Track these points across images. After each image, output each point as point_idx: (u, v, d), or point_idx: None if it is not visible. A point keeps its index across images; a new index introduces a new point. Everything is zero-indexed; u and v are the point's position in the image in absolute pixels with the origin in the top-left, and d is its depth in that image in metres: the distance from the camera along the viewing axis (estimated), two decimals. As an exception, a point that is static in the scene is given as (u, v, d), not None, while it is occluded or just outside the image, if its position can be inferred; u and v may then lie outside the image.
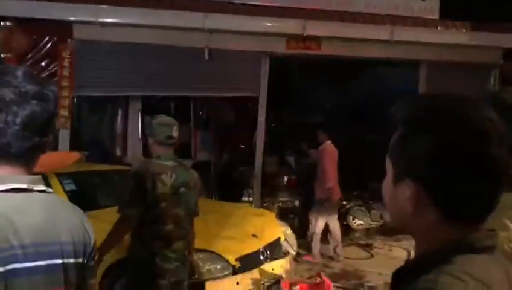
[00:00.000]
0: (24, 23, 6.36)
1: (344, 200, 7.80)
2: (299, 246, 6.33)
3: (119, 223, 3.07)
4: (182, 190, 3.15)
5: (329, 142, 6.58)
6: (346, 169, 7.22)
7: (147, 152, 3.64)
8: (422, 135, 0.85)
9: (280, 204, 8.33)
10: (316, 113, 9.78)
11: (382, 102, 9.57)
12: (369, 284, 5.36)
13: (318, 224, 6.43)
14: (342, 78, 9.72)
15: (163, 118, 3.26)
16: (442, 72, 7.65)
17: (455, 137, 0.82)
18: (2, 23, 6.33)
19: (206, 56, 6.88)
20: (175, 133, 3.17)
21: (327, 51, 7.39)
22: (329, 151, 6.50)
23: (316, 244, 6.48)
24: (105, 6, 6.54)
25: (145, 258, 3.08)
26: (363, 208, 8.09)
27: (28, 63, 6.54)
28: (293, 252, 5.12)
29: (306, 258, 6.45)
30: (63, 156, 4.58)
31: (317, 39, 7.29)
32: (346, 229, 7.76)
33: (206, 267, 4.02)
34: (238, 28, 6.92)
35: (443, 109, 0.87)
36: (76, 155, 4.50)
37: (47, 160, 3.48)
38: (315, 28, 7.12)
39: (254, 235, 4.60)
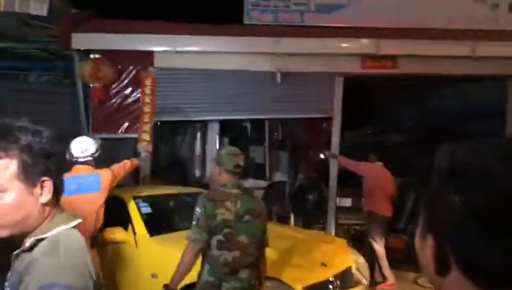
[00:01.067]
0: (110, 55, 6.85)
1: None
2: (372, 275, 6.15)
3: (187, 249, 3.18)
4: (247, 217, 3.21)
5: (380, 163, 6.59)
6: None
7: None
8: (453, 192, 0.77)
9: (358, 227, 8.12)
10: (395, 133, 9.45)
11: (465, 120, 9.10)
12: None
13: (375, 245, 6.36)
14: (421, 95, 9.33)
15: (230, 149, 3.47)
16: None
17: (486, 201, 0.74)
18: (91, 56, 6.86)
19: (278, 79, 6.95)
20: (241, 162, 3.31)
21: (404, 69, 7.14)
22: (376, 172, 6.49)
23: (383, 266, 6.29)
24: (182, 36, 6.86)
25: (212, 285, 3.15)
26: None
27: (112, 92, 7.06)
28: (365, 282, 4.93)
29: (381, 287, 6.21)
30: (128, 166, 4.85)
31: (393, 58, 7.08)
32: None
33: (273, 296, 4.00)
34: (310, 50, 6.93)
35: (482, 166, 0.77)
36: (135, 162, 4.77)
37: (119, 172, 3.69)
38: (390, 47, 6.93)
39: (323, 264, 4.51)
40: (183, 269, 3.17)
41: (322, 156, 7.51)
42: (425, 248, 0.82)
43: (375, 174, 6.51)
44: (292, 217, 8.42)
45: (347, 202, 8.22)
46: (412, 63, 7.09)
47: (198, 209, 3.19)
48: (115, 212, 5.15)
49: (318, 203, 7.71)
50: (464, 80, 8.07)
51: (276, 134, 9.20)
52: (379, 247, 6.37)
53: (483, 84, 7.98)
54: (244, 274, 3.19)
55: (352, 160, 6.90)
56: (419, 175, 8.58)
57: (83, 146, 4.53)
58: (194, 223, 3.18)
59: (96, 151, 4.58)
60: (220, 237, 3.12)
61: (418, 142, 9.25)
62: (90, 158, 4.52)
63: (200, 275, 3.26)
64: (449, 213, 0.77)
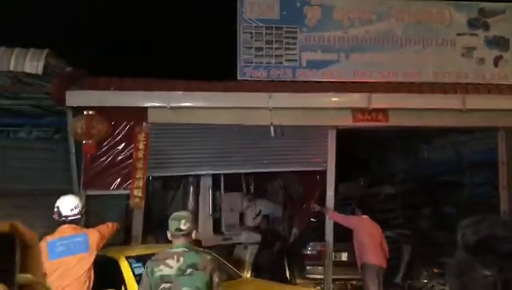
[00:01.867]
0: (104, 111, 6.83)
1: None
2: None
3: None
4: (189, 270, 3.49)
5: (366, 216, 6.76)
6: (424, 243, 6.81)
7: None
8: (483, 266, 0.80)
9: (355, 282, 7.94)
10: (388, 184, 9.46)
11: (457, 171, 9.14)
12: None
13: None
14: (413, 147, 9.43)
15: (175, 214, 3.76)
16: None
17: None
18: (84, 112, 6.84)
19: (272, 133, 6.97)
20: (183, 226, 3.58)
21: (395, 122, 7.22)
22: (364, 224, 6.66)
23: None
24: (175, 92, 6.92)
25: None
26: (446, 287, 7.46)
27: (105, 148, 7.00)
28: None
29: None
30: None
31: (384, 111, 7.17)
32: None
33: None
34: (302, 104, 7.01)
35: (506, 241, 0.80)
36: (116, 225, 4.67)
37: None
38: (381, 101, 7.04)
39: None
40: None
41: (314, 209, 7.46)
42: None
43: (364, 226, 6.66)
44: (288, 273, 8.24)
45: (343, 256, 8.09)
46: (403, 116, 7.18)
47: (143, 271, 3.63)
48: (106, 273, 4.98)
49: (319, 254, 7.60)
50: (455, 132, 8.19)
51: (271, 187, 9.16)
52: None
53: (474, 135, 8.10)
54: None
55: (341, 214, 7.05)
56: (414, 227, 8.53)
57: (72, 204, 4.45)
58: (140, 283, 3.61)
59: (82, 209, 4.51)
60: None
61: (411, 193, 9.26)
62: (79, 216, 4.44)
63: None
64: (481, 286, 0.79)
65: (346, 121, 7.23)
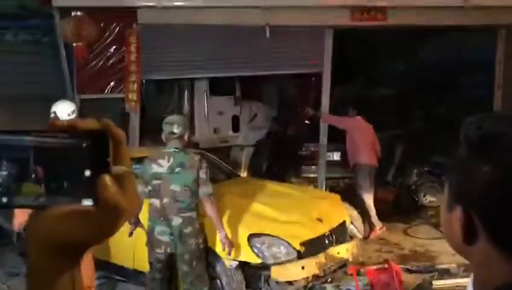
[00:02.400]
0: (92, 13, 6.58)
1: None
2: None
3: None
4: (178, 169, 3.81)
5: (359, 117, 6.78)
6: (416, 143, 6.94)
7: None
8: (483, 162, 0.77)
9: (347, 180, 8.22)
10: (385, 86, 9.43)
11: (456, 71, 9.07)
12: (441, 266, 5.18)
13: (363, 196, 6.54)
14: (411, 47, 9.25)
15: (168, 118, 4.03)
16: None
17: None
18: (72, 14, 6.58)
19: (267, 34, 6.78)
20: (176, 130, 3.85)
21: (394, 21, 7.01)
22: (358, 125, 6.72)
23: (371, 213, 6.48)
24: (166, -10, 6.60)
25: (150, 228, 3.91)
26: (435, 185, 7.74)
27: (96, 51, 6.84)
28: (359, 236, 5.04)
29: (372, 236, 6.36)
30: None
31: (382, 9, 6.93)
32: (417, 207, 7.53)
33: (271, 252, 4.06)
34: (299, 3, 6.75)
35: (508, 137, 0.77)
36: None
37: None
38: (380, -2, 6.78)
39: (319, 219, 4.57)
40: None
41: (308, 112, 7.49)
42: (452, 218, 0.81)
43: (358, 127, 6.74)
44: (282, 173, 8.49)
45: (336, 156, 8.29)
46: (402, 15, 6.96)
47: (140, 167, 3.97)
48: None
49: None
50: (455, 31, 8.00)
51: (266, 90, 9.12)
52: (368, 197, 6.50)
53: (474, 34, 7.92)
54: (176, 223, 3.79)
55: (335, 116, 7.06)
56: (408, 127, 8.66)
57: (69, 108, 4.43)
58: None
59: (77, 115, 4.52)
60: (150, 187, 3.85)
61: (408, 95, 9.27)
62: None
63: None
64: (479, 183, 0.77)
65: (344, 21, 7.02)
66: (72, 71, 6.99)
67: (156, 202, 3.85)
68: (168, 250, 3.84)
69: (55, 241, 0.54)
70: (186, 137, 3.94)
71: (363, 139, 6.70)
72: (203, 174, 3.83)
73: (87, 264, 3.93)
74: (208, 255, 4.11)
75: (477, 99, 8.04)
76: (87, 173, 0.53)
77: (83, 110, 7.08)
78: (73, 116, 4.39)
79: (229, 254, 3.93)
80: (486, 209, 0.76)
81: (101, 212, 0.53)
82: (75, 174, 0.53)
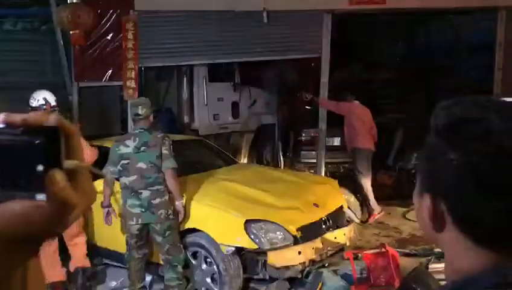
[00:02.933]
0: (89, 0, 6.55)
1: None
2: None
3: (104, 179, 4.20)
4: (143, 148, 4.10)
5: (357, 102, 6.82)
6: (416, 127, 6.92)
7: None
8: (450, 149, 0.76)
9: (346, 165, 8.23)
10: (384, 69, 9.37)
11: (455, 54, 9.00)
12: (439, 249, 5.21)
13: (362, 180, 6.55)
14: (410, 31, 9.17)
15: (133, 101, 4.43)
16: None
17: (484, 158, 0.73)
18: (68, 1, 6.55)
19: (265, 19, 6.74)
20: (140, 111, 4.14)
21: (393, 4, 6.94)
22: (355, 110, 6.75)
23: (370, 198, 6.51)
24: (162, -24, 6.55)
25: (123, 205, 4.18)
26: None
27: (94, 39, 6.82)
28: (356, 220, 5.06)
29: (371, 220, 6.40)
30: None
31: (381, -8, 6.87)
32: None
33: (268, 238, 4.09)
34: (297, -13, 6.68)
35: (481, 123, 0.76)
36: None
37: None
38: (379, -19, 6.71)
39: (316, 205, 4.59)
40: (104, 193, 4.22)
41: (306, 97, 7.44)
42: (422, 206, 0.81)
43: (355, 111, 6.76)
44: (281, 159, 8.50)
45: (335, 141, 8.29)
46: (401, -3, 6.90)
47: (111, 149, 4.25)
48: (103, 163, 5.14)
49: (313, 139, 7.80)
50: (454, 13, 7.91)
51: (265, 76, 9.06)
52: (366, 182, 6.52)
53: (473, 17, 7.84)
54: (145, 195, 4.07)
55: (332, 101, 7.04)
56: (408, 111, 8.62)
57: (53, 96, 4.78)
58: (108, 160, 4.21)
59: (57, 104, 4.79)
60: (119, 167, 4.13)
61: (407, 78, 9.22)
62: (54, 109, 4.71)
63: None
64: (446, 170, 0.77)
65: (343, 4, 6.96)
66: (70, 59, 6.98)
67: (125, 179, 4.12)
68: (140, 221, 4.09)
69: (9, 235, 0.55)
70: (151, 118, 4.24)
71: (361, 124, 6.72)
72: (165, 150, 4.11)
73: (48, 256, 4.22)
74: (203, 241, 4.18)
75: (478, 81, 7.99)
76: (40, 168, 0.54)
77: (81, 98, 7.13)
78: (55, 103, 4.76)
79: (180, 222, 4.24)
80: (453, 197, 0.77)
81: (52, 206, 0.55)
82: (29, 170, 0.54)
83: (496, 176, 0.73)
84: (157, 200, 4.07)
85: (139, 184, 4.07)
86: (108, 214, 4.27)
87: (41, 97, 4.75)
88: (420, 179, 0.83)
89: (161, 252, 4.21)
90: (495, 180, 0.73)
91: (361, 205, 6.38)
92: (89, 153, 4.84)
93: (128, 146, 4.11)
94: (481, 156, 0.73)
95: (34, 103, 4.71)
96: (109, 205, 4.28)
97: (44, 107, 4.67)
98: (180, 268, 4.20)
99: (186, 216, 4.26)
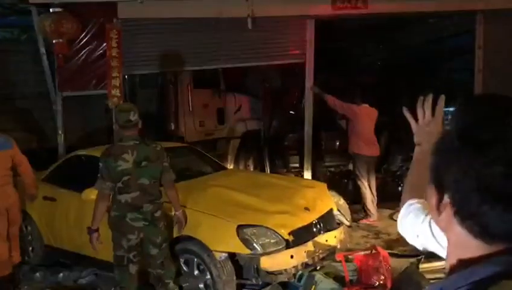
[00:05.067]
0: (71, 8, 6.49)
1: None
2: (355, 211, 6.39)
3: (97, 197, 3.92)
4: (144, 163, 3.82)
5: (367, 105, 6.75)
6: (400, 129, 7.02)
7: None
8: (458, 149, 0.81)
9: (333, 169, 8.29)
10: (367, 74, 9.48)
11: (436, 57, 9.14)
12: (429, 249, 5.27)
13: (361, 185, 6.63)
14: (391, 34, 9.31)
15: (122, 106, 4.05)
16: (501, 22, 7.12)
17: (489, 164, 0.77)
18: (51, 10, 6.49)
19: (250, 25, 6.77)
20: (132, 117, 3.80)
21: (375, 9, 7.05)
22: (365, 113, 6.69)
23: (367, 202, 6.58)
24: (146, -17, 6.53)
25: (118, 217, 3.87)
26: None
27: (77, 48, 6.76)
28: (346, 223, 5.10)
29: (363, 222, 6.46)
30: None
31: (363, -3, 6.97)
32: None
33: (260, 242, 4.09)
34: (280, -7, 6.74)
35: (488, 126, 0.82)
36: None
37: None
38: (360, -13, 6.81)
39: (306, 208, 4.61)
40: (97, 213, 3.89)
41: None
42: (429, 194, 0.88)
43: (361, 115, 6.68)
44: (267, 164, 8.52)
45: (335, 145, 8.38)
46: (382, 3, 7.00)
47: (100, 164, 3.86)
48: (91, 171, 5.08)
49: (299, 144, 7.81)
50: (434, 18, 8.06)
51: (250, 82, 9.10)
52: (363, 185, 6.60)
53: (452, 20, 8.00)
54: (147, 208, 3.86)
55: (341, 101, 6.82)
56: (392, 114, 8.73)
57: None
58: (99, 175, 3.86)
59: None
60: (119, 184, 3.81)
61: (390, 82, 9.35)
62: None
63: (109, 211, 3.94)
64: (452, 167, 0.81)
65: (326, 10, 7.04)
66: (53, 68, 6.91)
67: (126, 197, 3.83)
68: (141, 235, 3.89)
69: None
70: (140, 124, 3.89)
71: (365, 129, 6.66)
72: (165, 163, 3.94)
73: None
74: (196, 248, 4.16)
75: (458, 83, 8.15)
76: None
77: (65, 108, 7.05)
78: None
79: (180, 230, 4.11)
80: (456, 193, 0.81)
81: None
82: None
83: (498, 181, 0.77)
84: (159, 213, 3.94)
85: (141, 200, 3.84)
86: (97, 239, 3.93)
87: None
88: (430, 169, 0.87)
89: (153, 266, 3.99)
90: (497, 185, 0.77)
91: (363, 207, 6.47)
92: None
93: (127, 161, 3.79)
94: (487, 160, 0.77)
95: None
96: (97, 229, 3.92)
97: None
98: (172, 285, 4.05)
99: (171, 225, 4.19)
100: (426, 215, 1.30)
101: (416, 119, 1.53)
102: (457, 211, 0.82)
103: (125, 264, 3.92)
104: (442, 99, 1.50)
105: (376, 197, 6.72)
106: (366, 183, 6.63)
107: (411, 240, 1.37)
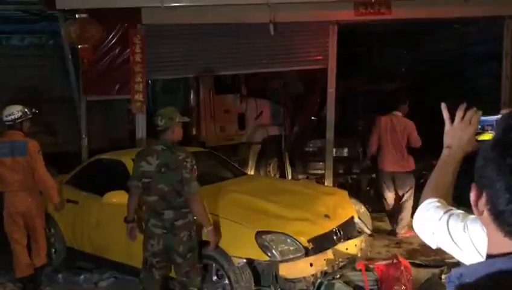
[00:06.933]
0: (96, 14, 6.60)
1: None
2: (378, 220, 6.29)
3: (129, 193, 4.09)
4: (163, 169, 3.85)
5: (397, 113, 6.52)
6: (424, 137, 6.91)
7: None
8: (496, 153, 0.87)
9: (355, 176, 8.19)
10: (391, 80, 9.37)
11: (462, 64, 8.97)
12: (451, 260, 5.15)
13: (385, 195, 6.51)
14: (416, 40, 9.18)
15: (158, 110, 4.01)
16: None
17: None
18: (77, 16, 6.60)
19: (272, 31, 6.77)
20: (160, 122, 3.87)
21: (398, 14, 6.96)
22: (387, 126, 6.45)
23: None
24: (169, -11, 6.60)
25: (145, 219, 3.99)
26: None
27: (102, 53, 6.87)
28: (367, 231, 5.02)
29: (403, 235, 6.32)
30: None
31: (386, 3, 6.88)
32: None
33: (279, 249, 4.06)
34: (302, -1, 6.72)
35: None
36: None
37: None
38: (384, -8, 6.74)
39: (326, 216, 4.56)
40: (129, 206, 4.08)
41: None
42: (471, 192, 0.94)
43: (383, 127, 6.44)
44: (289, 170, 8.48)
45: (344, 152, 8.26)
46: (406, 8, 6.91)
47: (135, 162, 4.04)
48: (114, 174, 5.15)
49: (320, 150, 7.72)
50: (459, 23, 7.92)
51: (271, 87, 9.09)
52: (388, 198, 6.50)
53: (478, 26, 7.84)
54: (168, 216, 3.86)
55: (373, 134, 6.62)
56: (415, 121, 8.60)
57: (6, 112, 4.79)
58: (132, 172, 4.05)
59: (19, 118, 4.78)
60: (141, 185, 3.93)
61: (414, 88, 9.21)
62: (11, 122, 4.76)
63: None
64: (490, 170, 0.88)
65: (348, 15, 6.99)
66: (78, 73, 7.03)
67: (147, 198, 3.93)
68: (161, 243, 3.89)
69: None
70: (173, 129, 3.85)
71: (386, 141, 6.41)
72: (186, 174, 3.80)
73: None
74: (215, 253, 4.14)
75: (485, 90, 7.97)
76: None
77: (89, 112, 7.16)
78: (9, 117, 4.79)
79: (215, 247, 4.03)
80: (490, 193, 0.88)
81: None
82: None
83: None
84: (180, 222, 3.87)
85: (160, 205, 3.86)
86: (132, 229, 4.10)
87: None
88: (475, 168, 0.94)
89: (179, 274, 3.99)
90: None
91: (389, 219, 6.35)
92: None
93: (150, 164, 3.85)
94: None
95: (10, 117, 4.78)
96: (133, 220, 4.10)
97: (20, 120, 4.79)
98: None
99: (198, 229, 4.16)
100: (444, 213, 1.33)
101: (452, 119, 1.51)
102: (490, 209, 0.88)
103: (149, 267, 3.97)
104: (479, 112, 1.55)
105: (407, 213, 6.36)
106: (389, 196, 6.49)
107: (426, 237, 1.39)
